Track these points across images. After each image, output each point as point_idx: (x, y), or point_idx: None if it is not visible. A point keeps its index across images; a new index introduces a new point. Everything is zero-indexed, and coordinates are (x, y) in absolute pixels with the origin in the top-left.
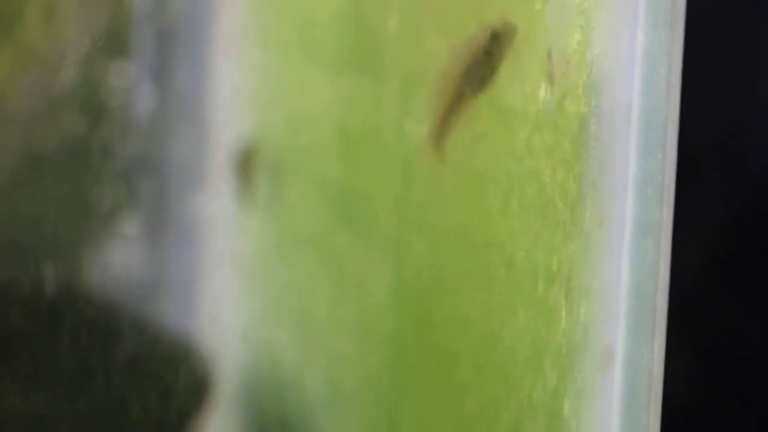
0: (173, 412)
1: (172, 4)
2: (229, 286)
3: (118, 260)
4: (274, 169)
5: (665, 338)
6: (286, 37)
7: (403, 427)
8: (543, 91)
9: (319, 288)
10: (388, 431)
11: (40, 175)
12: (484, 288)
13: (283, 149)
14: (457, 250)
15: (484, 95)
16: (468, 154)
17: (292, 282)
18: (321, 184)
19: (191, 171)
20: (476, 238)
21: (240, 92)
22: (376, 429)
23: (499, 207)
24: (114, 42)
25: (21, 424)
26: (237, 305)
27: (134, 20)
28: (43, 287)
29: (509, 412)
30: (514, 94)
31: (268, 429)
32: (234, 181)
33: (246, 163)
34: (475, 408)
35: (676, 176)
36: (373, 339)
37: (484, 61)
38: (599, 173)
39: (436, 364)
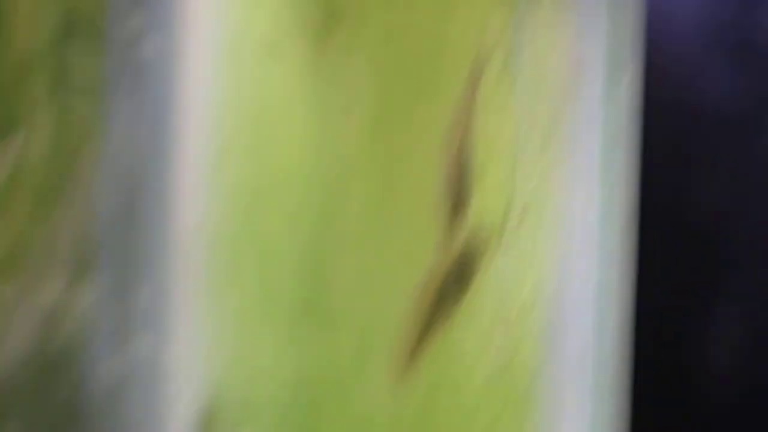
0: None
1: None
2: None
3: None
4: (233, 425)
5: None
6: (241, 291)
7: None
8: (497, 336)
9: None
10: None
11: None
12: None
13: (241, 404)
14: None
15: (444, 342)
16: (424, 400)
17: None
18: None
19: None
20: None
21: (197, 353)
22: None
23: None
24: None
25: None
26: None
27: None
28: None
29: None
30: (470, 339)
31: None
32: None
33: (205, 425)
34: None
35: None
36: None
37: (453, 286)
38: (553, 422)
39: None
